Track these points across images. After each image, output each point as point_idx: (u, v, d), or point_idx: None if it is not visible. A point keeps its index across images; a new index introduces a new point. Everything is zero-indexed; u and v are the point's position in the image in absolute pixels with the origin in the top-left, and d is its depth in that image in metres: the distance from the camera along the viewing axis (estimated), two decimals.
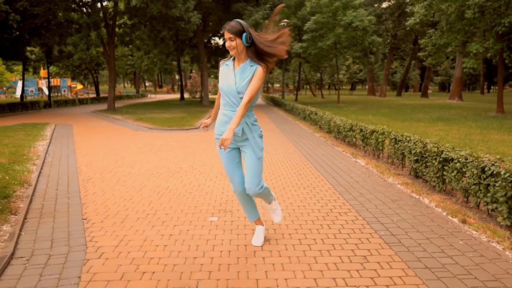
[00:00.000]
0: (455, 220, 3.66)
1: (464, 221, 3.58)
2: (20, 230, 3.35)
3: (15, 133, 10.25)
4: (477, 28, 15.49)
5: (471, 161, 3.92)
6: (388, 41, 39.45)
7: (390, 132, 6.09)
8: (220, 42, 35.19)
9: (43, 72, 36.50)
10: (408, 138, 5.42)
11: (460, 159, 4.09)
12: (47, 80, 28.21)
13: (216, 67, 33.97)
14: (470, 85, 62.96)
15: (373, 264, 2.77)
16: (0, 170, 5.52)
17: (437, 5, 15.83)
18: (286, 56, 2.77)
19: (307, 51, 25.50)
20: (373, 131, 6.73)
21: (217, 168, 6.04)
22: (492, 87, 60.21)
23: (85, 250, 3.00)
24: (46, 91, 37.37)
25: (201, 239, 3.23)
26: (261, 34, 2.73)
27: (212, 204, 4.20)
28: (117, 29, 21.62)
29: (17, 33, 18.96)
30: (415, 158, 5.12)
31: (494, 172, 3.55)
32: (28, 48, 26.40)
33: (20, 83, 34.54)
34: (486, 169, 3.67)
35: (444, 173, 4.42)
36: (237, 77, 2.75)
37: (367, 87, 52.09)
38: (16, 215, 3.74)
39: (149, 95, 48.16)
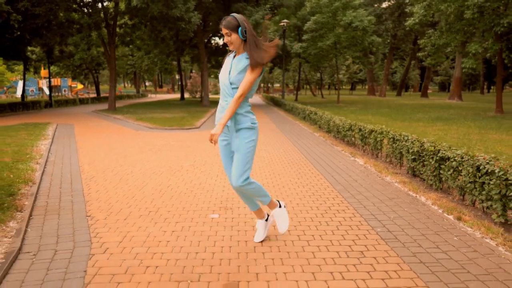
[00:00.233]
0: (451, 217, 3.74)
1: (459, 218, 3.67)
2: (26, 227, 3.44)
3: (17, 132, 10.34)
4: (476, 28, 15.57)
5: (466, 160, 4.01)
6: (388, 41, 39.54)
7: (389, 132, 6.17)
8: (221, 42, 35.25)
9: (43, 72, 36.61)
10: (406, 138, 5.51)
11: (456, 158, 4.17)
12: (47, 80, 28.32)
13: (216, 67, 34.08)
14: (470, 85, 63.06)
15: (370, 259, 2.85)
16: (4, 169, 5.61)
17: (436, 5, 15.92)
18: (266, 61, 2.74)
19: (307, 51, 25.60)
20: (371, 131, 6.82)
21: (217, 167, 6.13)
22: (492, 87, 60.28)
23: (90, 245, 3.08)
24: (46, 91, 37.49)
25: (202, 235, 3.31)
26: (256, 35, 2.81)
27: (213, 201, 4.29)
28: (117, 29, 21.72)
29: (18, 33, 19.04)
30: (412, 157, 5.21)
31: (489, 171, 3.64)
32: (29, 48, 26.48)
33: (20, 83, 34.67)
34: (481, 167, 3.76)
35: (441, 171, 4.50)
36: (232, 68, 2.82)
37: (367, 87, 52.16)
38: (21, 212, 3.82)
39: (149, 95, 48.25)
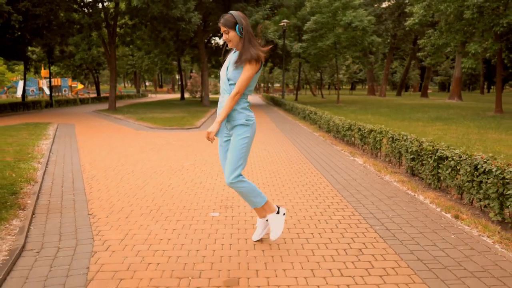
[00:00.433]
0: (448, 215, 3.79)
1: (457, 217, 3.71)
2: (29, 225, 3.48)
3: (18, 132, 10.39)
4: (475, 28, 15.62)
5: (464, 159, 4.05)
6: (388, 41, 39.56)
7: (388, 131, 6.22)
8: (221, 42, 35.28)
9: (44, 72, 36.66)
10: (405, 137, 5.55)
11: (454, 157, 4.22)
12: (48, 80, 28.35)
13: (216, 67, 34.13)
14: (470, 85, 63.08)
15: (368, 257, 2.89)
16: (6, 168, 5.66)
17: (436, 5, 15.96)
18: (256, 57, 2.74)
19: (307, 51, 25.63)
20: (371, 130, 6.86)
21: (218, 166, 6.17)
22: (492, 87, 60.32)
23: (92, 243, 3.13)
24: (47, 91, 37.54)
25: (203, 233, 3.36)
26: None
27: (213, 200, 4.33)
28: (118, 29, 21.77)
29: (19, 33, 19.08)
30: (411, 156, 5.25)
31: (486, 170, 3.68)
32: (30, 48, 26.53)
33: (21, 83, 34.70)
34: (478, 166, 3.80)
35: (439, 170, 4.54)
36: (230, 64, 2.85)
37: (367, 87, 52.21)
38: (24, 210, 3.87)
39: (149, 95, 48.32)
